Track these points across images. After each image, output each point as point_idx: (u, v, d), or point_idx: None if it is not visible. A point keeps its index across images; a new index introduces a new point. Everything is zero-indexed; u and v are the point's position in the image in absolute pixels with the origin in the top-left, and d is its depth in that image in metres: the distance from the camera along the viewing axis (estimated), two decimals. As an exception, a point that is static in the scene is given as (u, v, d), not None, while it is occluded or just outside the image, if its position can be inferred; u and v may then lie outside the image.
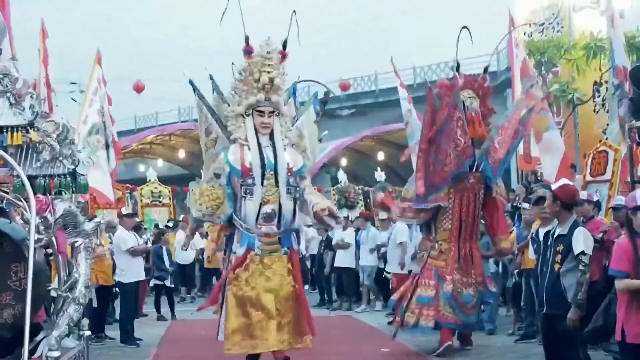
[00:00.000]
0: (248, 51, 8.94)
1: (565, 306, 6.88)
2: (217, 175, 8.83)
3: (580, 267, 6.89)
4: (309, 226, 17.18)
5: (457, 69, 11.22)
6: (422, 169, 10.41)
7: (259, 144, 8.79)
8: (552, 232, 7.31)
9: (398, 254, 14.17)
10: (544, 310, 7.20)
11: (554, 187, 7.52)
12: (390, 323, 12.92)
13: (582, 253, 6.91)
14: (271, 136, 8.90)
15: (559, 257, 7.07)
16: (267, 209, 8.77)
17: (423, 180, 10.38)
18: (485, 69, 11.70)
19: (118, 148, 15.93)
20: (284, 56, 8.99)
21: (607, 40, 17.65)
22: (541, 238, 7.64)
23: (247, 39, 8.98)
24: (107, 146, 14.59)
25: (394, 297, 11.37)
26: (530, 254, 9.81)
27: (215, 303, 9.37)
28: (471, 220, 10.75)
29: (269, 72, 8.77)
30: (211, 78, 9.57)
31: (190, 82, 9.43)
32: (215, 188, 8.82)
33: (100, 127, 14.46)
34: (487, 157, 10.68)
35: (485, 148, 10.67)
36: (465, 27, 11.04)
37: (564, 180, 7.80)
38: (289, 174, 8.80)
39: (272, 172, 8.73)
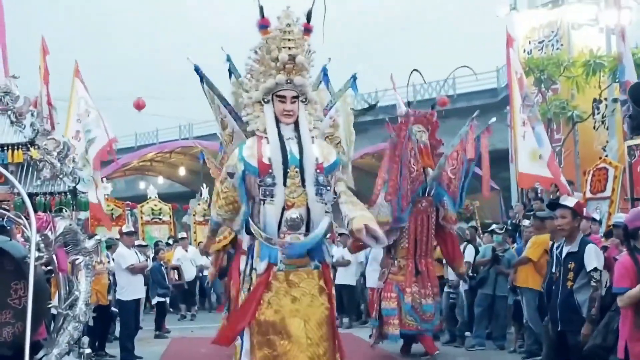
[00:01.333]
0: (263, 25, 7.19)
1: (579, 322, 6.97)
2: (231, 175, 7.06)
3: (592, 283, 6.99)
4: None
5: (409, 105, 12.74)
6: (393, 192, 11.36)
7: (281, 136, 6.88)
8: (559, 249, 7.36)
9: (377, 269, 14.17)
10: (558, 328, 7.24)
11: (570, 203, 7.53)
12: (370, 336, 13.29)
13: (595, 269, 7.01)
14: (296, 126, 7.00)
15: (571, 275, 7.15)
16: (291, 214, 6.82)
17: (396, 204, 11.40)
18: (433, 106, 13.40)
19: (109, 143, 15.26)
20: (308, 30, 7.18)
21: (606, 58, 17.74)
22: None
23: (261, 9, 7.25)
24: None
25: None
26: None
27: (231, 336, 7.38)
28: (425, 238, 11.90)
29: (289, 48, 6.92)
30: (228, 59, 7.95)
31: (196, 69, 7.83)
32: (229, 190, 7.05)
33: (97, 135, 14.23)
34: (439, 184, 11.83)
35: (435, 175, 11.74)
36: (416, 69, 12.80)
37: (574, 197, 7.89)
38: (318, 170, 6.87)
39: (297, 169, 6.81)
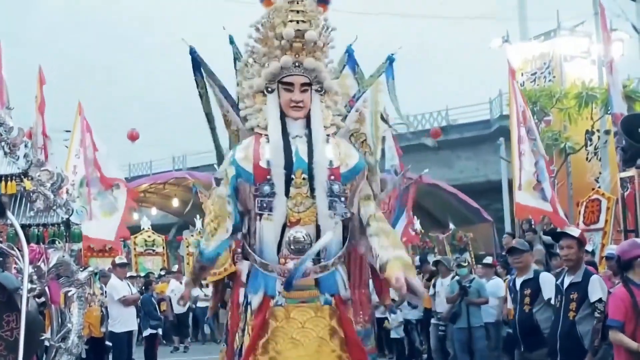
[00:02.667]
0: None
1: (580, 353, 6.96)
2: (218, 182, 5.63)
3: (596, 315, 6.95)
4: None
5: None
6: None
7: (286, 133, 5.44)
8: (561, 280, 7.39)
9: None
10: (558, 358, 7.24)
11: (575, 233, 7.56)
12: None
13: (599, 300, 6.97)
14: (308, 122, 5.54)
15: (573, 305, 7.14)
16: (295, 232, 5.30)
17: None
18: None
19: (130, 190, 15.48)
20: (324, 1, 5.72)
21: (598, 90, 17.84)
22: (517, 287, 7.84)
23: None
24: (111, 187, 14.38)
25: None
26: (509, 303, 9.96)
27: None
28: (358, 272, 12.02)
29: (297, 22, 5.46)
30: (231, 42, 6.22)
31: (192, 52, 6.01)
32: (216, 202, 5.55)
33: (91, 177, 14.34)
34: None
35: None
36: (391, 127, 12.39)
37: (575, 228, 7.95)
38: (332, 177, 5.36)
39: (304, 176, 5.34)
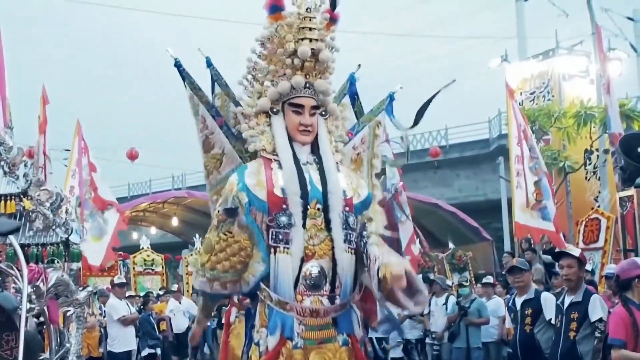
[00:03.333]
0: (276, 6, 5.16)
1: None
2: (231, 212, 4.96)
3: (597, 334, 6.97)
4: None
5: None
6: None
7: (297, 160, 5.02)
8: (561, 299, 7.39)
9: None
10: None
11: (576, 253, 7.57)
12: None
13: (600, 320, 6.99)
14: (314, 148, 5.16)
15: (574, 325, 7.16)
16: (311, 267, 4.90)
17: None
18: None
19: (122, 213, 15.53)
20: (333, 20, 5.21)
21: (597, 109, 17.89)
22: (518, 307, 7.84)
23: None
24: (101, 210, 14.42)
25: None
26: (508, 322, 9.95)
27: None
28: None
29: (311, 40, 5.03)
30: (209, 64, 5.54)
31: (177, 65, 5.41)
32: (234, 234, 4.92)
33: (84, 198, 14.33)
34: None
35: None
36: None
37: (575, 248, 7.98)
38: (347, 209, 5.01)
39: (319, 206, 4.95)
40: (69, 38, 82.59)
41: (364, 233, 5.03)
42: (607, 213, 12.68)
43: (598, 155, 19.36)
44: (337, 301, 4.96)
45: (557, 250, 9.31)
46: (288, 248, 4.85)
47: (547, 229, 12.17)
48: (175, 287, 21.62)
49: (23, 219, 7.72)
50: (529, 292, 8.62)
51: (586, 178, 20.45)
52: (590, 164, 20.29)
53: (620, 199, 10.11)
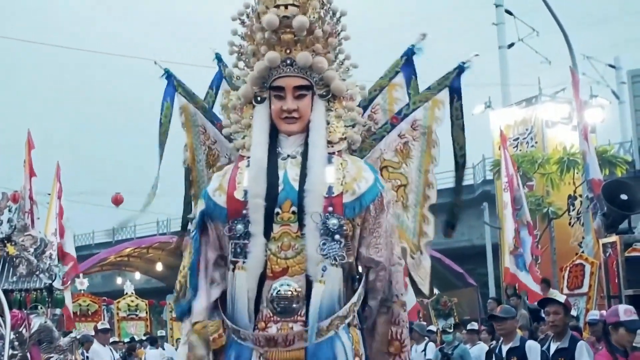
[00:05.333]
0: None
1: None
2: (184, 225, 4.55)
3: None
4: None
5: None
6: None
7: (274, 153, 4.07)
8: (546, 346, 7.42)
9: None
10: None
11: (561, 299, 7.62)
12: None
13: None
14: (306, 140, 4.11)
15: None
16: (281, 286, 3.90)
17: None
18: None
19: (72, 262, 15.21)
20: None
21: (580, 155, 18.05)
22: (504, 355, 7.86)
23: None
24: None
25: None
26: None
27: None
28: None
29: (285, 7, 4.07)
30: (219, 59, 4.85)
31: (168, 75, 4.68)
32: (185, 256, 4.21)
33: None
34: None
35: None
36: None
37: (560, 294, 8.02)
38: (330, 209, 3.90)
39: (293, 208, 3.95)
40: (53, 82, 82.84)
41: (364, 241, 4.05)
42: (591, 258, 12.71)
43: (581, 201, 19.50)
44: (310, 326, 3.85)
45: (541, 299, 9.34)
46: (245, 261, 3.89)
47: (521, 279, 12.35)
48: (162, 333, 21.46)
49: (7, 264, 7.70)
50: (514, 340, 8.60)
51: (570, 224, 20.57)
52: (573, 209, 20.43)
53: (604, 245, 10.16)
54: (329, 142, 4.11)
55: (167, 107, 4.61)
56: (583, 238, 19.04)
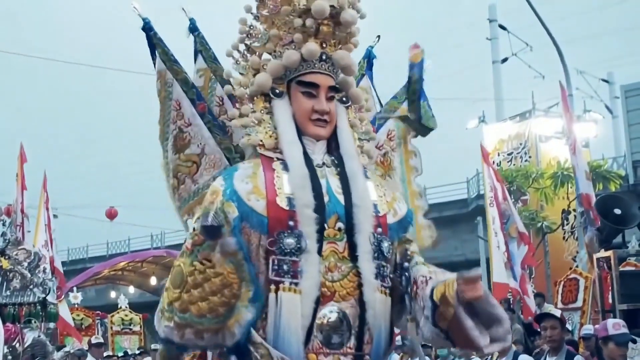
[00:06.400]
0: None
1: None
2: (211, 232, 3.27)
3: None
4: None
5: None
6: None
7: (308, 159, 3.51)
8: None
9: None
10: None
11: (557, 314, 7.63)
12: None
13: None
14: (330, 146, 3.65)
15: None
16: (329, 313, 3.36)
17: None
18: None
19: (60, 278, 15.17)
20: None
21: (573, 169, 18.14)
22: None
23: None
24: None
25: None
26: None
27: None
28: None
29: None
30: (194, 27, 4.04)
31: (146, 27, 3.85)
32: (215, 264, 3.24)
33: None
34: None
35: None
36: None
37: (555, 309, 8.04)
38: (379, 230, 3.49)
39: (340, 225, 3.43)
40: (46, 95, 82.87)
41: (406, 264, 3.54)
42: (585, 273, 12.74)
43: (575, 216, 19.54)
44: None
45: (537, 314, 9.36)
46: (296, 284, 3.27)
47: (513, 287, 12.39)
48: (156, 346, 21.35)
49: (0, 278, 7.69)
50: (508, 354, 8.60)
51: (564, 238, 20.60)
52: (567, 224, 20.45)
53: (598, 259, 10.18)
54: None
55: (163, 70, 3.88)
56: (577, 252, 19.07)
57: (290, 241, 3.29)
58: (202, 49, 4.02)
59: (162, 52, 3.84)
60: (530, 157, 21.70)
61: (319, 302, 3.29)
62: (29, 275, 7.65)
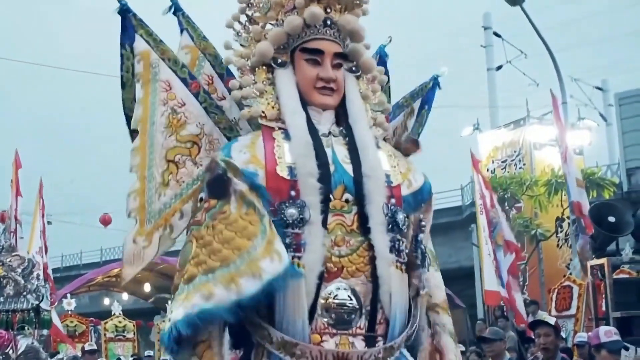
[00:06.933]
0: None
1: None
2: (219, 187, 3.04)
3: None
4: None
5: None
6: None
7: (314, 128, 3.23)
8: None
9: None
10: None
11: (551, 321, 7.65)
12: None
13: None
14: (339, 118, 3.37)
15: None
16: (337, 291, 3.04)
17: None
18: None
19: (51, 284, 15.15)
20: None
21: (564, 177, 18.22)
22: None
23: None
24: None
25: None
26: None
27: None
28: None
29: None
30: (177, 9, 3.70)
31: (124, 9, 3.42)
32: (229, 214, 2.97)
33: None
34: None
35: None
36: None
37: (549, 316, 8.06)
38: (393, 201, 3.18)
39: (348, 196, 3.14)
40: (41, 102, 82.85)
41: (420, 236, 3.28)
42: (578, 280, 12.77)
43: (569, 223, 19.59)
44: (380, 344, 3.08)
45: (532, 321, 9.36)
46: (299, 258, 2.98)
47: (504, 296, 12.42)
48: (149, 353, 21.36)
49: (-6, 284, 7.67)
50: (504, 360, 8.63)
51: (558, 246, 20.64)
52: (561, 231, 20.50)
53: (592, 267, 10.20)
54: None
55: (128, 56, 3.46)
56: (571, 260, 19.12)
57: (292, 211, 3.00)
58: (187, 27, 3.68)
59: (145, 33, 3.44)
60: (524, 164, 21.75)
61: (323, 278, 3.00)
62: (22, 281, 7.63)
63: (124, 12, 3.41)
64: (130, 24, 3.42)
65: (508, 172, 21.72)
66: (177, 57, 3.50)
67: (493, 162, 22.30)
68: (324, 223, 3.03)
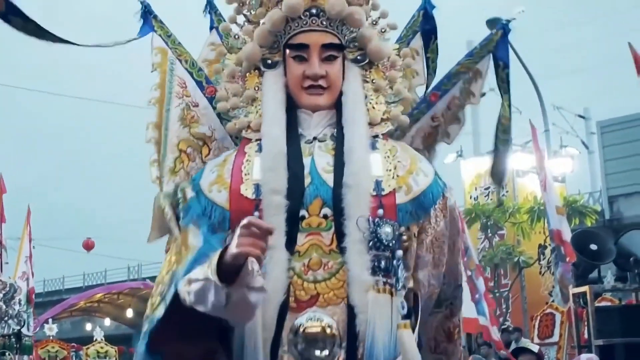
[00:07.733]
0: None
1: None
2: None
3: None
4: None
5: None
6: None
7: (295, 135, 2.85)
8: None
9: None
10: None
11: (534, 349, 7.69)
12: None
13: None
14: (336, 117, 2.89)
15: None
16: (307, 322, 2.57)
17: None
18: None
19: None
20: None
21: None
22: None
23: None
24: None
25: None
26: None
27: None
28: None
29: None
30: (212, 7, 3.45)
31: (146, 10, 3.17)
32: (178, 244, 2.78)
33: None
34: None
35: None
36: None
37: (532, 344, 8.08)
38: (380, 212, 2.68)
39: (325, 211, 2.69)
40: (24, 127, 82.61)
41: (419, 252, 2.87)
42: (561, 308, 12.80)
43: (551, 251, 19.68)
44: None
45: (515, 348, 9.40)
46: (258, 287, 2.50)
47: (482, 324, 12.36)
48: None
49: (-25, 310, 7.64)
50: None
51: (540, 273, 20.68)
52: (544, 258, 20.55)
53: (574, 294, 10.24)
54: (369, 123, 2.91)
55: (160, 60, 3.18)
56: (553, 287, 19.17)
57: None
58: (217, 26, 3.35)
59: (163, 34, 3.17)
60: (507, 191, 21.84)
61: (288, 307, 2.61)
62: (3, 307, 7.63)
63: (146, 13, 3.16)
64: (149, 25, 3.17)
65: (491, 199, 21.79)
66: (194, 59, 3.18)
67: (476, 189, 22.36)
68: (289, 246, 2.65)
